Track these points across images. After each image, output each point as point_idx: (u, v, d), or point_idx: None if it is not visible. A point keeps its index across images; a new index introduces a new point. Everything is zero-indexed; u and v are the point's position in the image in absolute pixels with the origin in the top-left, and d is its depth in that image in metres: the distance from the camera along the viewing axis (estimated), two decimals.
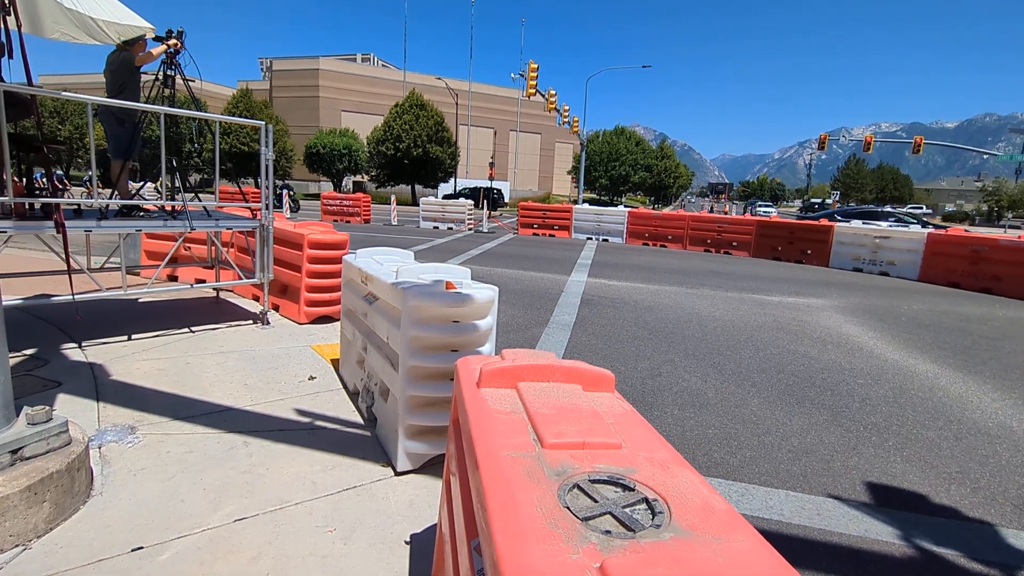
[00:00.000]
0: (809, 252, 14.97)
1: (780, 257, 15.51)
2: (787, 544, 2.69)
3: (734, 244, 16.52)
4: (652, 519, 1.06)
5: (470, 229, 18.93)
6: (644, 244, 18.01)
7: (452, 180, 41.65)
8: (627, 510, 1.09)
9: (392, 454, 3.02)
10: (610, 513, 1.07)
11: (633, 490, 1.15)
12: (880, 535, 2.77)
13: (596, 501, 1.10)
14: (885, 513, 2.97)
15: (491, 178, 23.88)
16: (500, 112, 66.45)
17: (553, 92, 29.83)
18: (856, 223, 15.53)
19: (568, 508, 1.05)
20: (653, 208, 37.26)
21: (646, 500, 1.12)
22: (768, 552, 0.95)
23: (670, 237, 17.67)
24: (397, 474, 2.94)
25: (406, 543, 2.41)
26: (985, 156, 31.70)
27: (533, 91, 26.48)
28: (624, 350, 5.79)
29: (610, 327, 6.73)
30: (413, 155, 39.24)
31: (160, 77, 5.30)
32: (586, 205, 20.86)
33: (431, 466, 3.01)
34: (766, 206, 52.19)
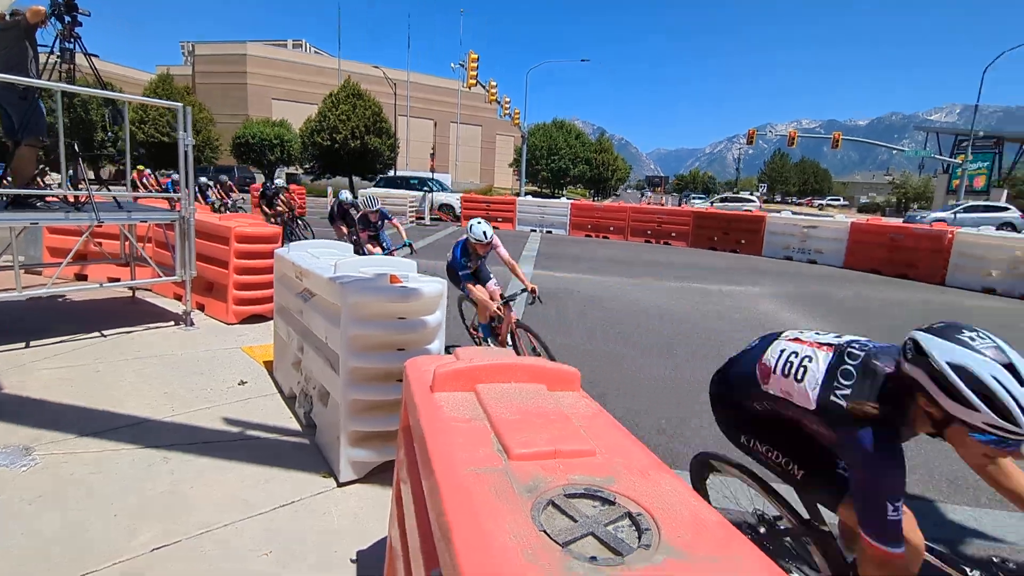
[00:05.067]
0: (743, 242, 15.56)
1: (716, 247, 16.04)
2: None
3: (673, 235, 16.95)
4: (639, 538, 0.93)
5: (412, 221, 18.44)
6: (587, 236, 18.18)
7: (392, 172, 40.62)
8: (610, 528, 0.96)
9: (334, 463, 2.78)
10: (592, 534, 0.94)
11: (614, 503, 1.02)
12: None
13: (575, 520, 0.96)
14: None
15: (432, 170, 23.34)
16: (440, 103, 65.32)
17: (494, 84, 29.56)
18: (787, 214, 16.26)
19: (545, 532, 0.91)
20: (594, 200, 37.93)
21: (629, 515, 0.99)
22: (773, 570, 0.84)
23: (612, 228, 17.91)
24: (339, 485, 2.70)
25: (352, 562, 2.20)
26: (894, 152, 34.15)
27: (474, 82, 26.13)
28: (574, 343, 5.73)
29: (559, 320, 6.66)
30: (350, 147, 37.87)
31: (57, 52, 4.70)
32: (529, 197, 20.81)
33: (377, 474, 2.79)
34: (699, 198, 54.95)
